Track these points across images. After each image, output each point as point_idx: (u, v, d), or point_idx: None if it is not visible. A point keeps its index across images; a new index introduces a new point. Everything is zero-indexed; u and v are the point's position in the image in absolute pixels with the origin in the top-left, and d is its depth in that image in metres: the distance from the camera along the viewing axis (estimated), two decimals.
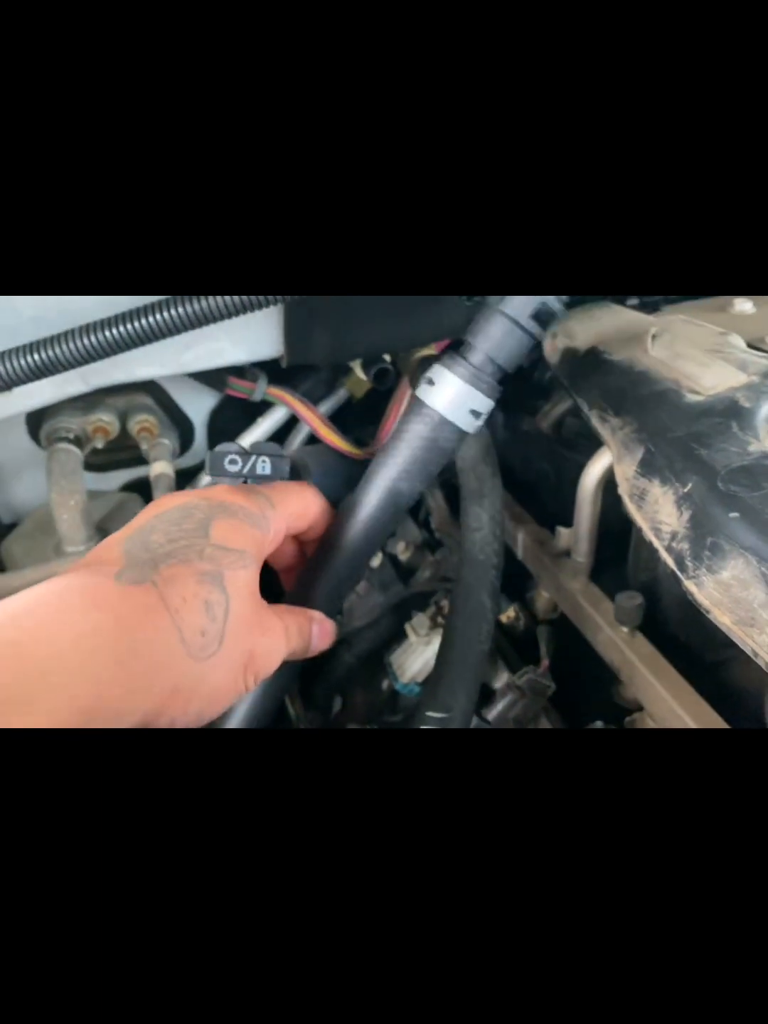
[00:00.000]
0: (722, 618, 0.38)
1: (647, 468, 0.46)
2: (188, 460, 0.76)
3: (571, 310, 0.65)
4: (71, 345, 0.45)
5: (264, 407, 0.71)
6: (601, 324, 0.62)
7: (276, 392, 0.68)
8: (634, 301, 0.74)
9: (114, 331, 0.45)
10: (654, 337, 0.54)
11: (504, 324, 0.43)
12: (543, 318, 0.44)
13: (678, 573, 0.41)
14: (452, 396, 0.43)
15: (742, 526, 0.38)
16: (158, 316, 0.45)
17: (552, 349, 0.63)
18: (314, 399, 0.71)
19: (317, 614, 0.43)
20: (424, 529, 0.78)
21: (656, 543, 0.44)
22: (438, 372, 0.44)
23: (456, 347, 0.45)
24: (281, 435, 0.74)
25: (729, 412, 0.45)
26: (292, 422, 0.73)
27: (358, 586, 0.69)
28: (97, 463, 0.72)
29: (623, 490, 0.48)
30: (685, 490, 0.42)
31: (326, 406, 0.75)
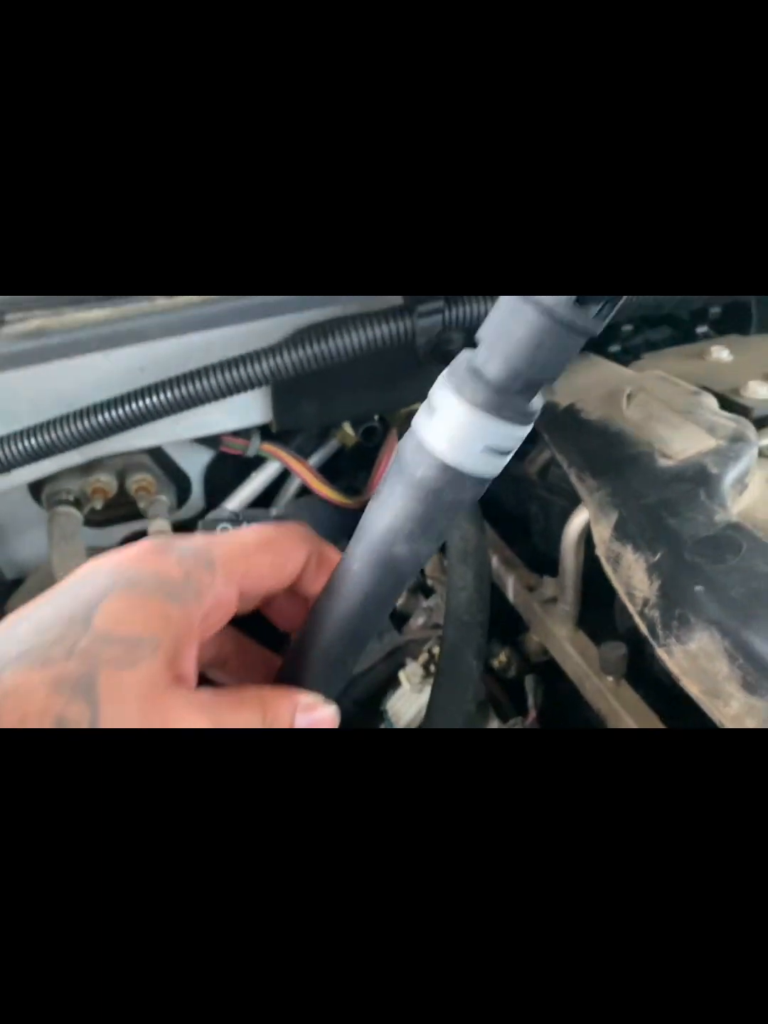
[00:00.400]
0: (691, 687, 0.40)
1: (621, 533, 0.47)
2: (186, 512, 0.78)
3: None
4: (67, 429, 0.47)
5: (258, 461, 0.73)
6: (579, 378, 0.63)
7: (269, 448, 0.70)
8: (615, 347, 0.76)
9: (108, 415, 0.47)
10: (629, 397, 0.56)
11: (534, 318, 0.27)
12: (597, 304, 0.27)
13: (651, 640, 0.43)
14: (457, 430, 0.29)
15: (707, 599, 0.39)
16: (150, 400, 0.47)
17: None
18: (306, 452, 0.74)
19: (304, 698, 0.33)
20: None
21: (630, 608, 0.45)
22: (439, 393, 0.30)
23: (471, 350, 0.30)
24: (275, 487, 0.76)
25: (698, 479, 0.46)
26: (285, 474, 0.75)
27: None
28: (97, 519, 0.75)
29: (600, 552, 0.50)
30: (655, 559, 0.44)
31: (318, 456, 0.77)
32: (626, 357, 0.73)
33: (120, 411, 0.47)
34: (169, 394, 0.47)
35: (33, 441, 0.47)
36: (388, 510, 0.31)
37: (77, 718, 0.26)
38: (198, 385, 0.47)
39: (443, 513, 0.32)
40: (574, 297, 0.26)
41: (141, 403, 0.47)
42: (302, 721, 0.33)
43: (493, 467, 0.30)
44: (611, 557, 0.48)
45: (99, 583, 0.29)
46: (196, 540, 0.32)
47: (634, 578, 0.45)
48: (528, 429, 0.30)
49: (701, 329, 0.78)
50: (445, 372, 0.30)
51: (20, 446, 0.47)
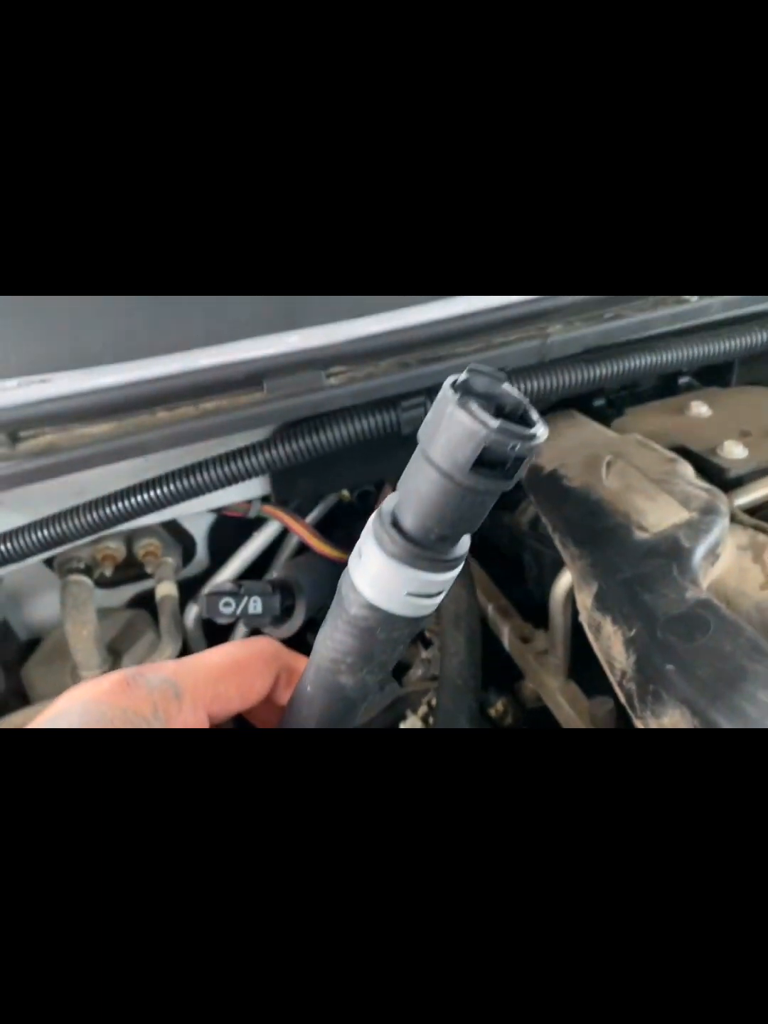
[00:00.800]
0: None
1: (601, 604, 0.50)
2: (192, 570, 0.81)
3: None
4: (77, 521, 0.51)
5: (259, 521, 0.76)
6: (563, 440, 0.66)
7: (270, 510, 0.73)
8: (600, 402, 0.79)
9: (116, 507, 0.50)
10: (608, 465, 0.59)
11: (436, 478, 0.26)
12: (501, 460, 0.26)
13: (629, 710, 0.46)
14: (379, 578, 0.29)
15: (678, 678, 0.42)
16: (155, 492, 0.50)
17: None
18: (305, 511, 0.77)
19: None
20: None
21: (610, 677, 0.48)
22: (364, 539, 0.30)
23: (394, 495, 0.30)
24: (276, 544, 0.79)
25: (671, 553, 0.49)
26: (285, 532, 0.78)
27: None
28: (107, 582, 0.78)
29: (583, 618, 0.53)
30: (631, 634, 0.46)
31: (317, 512, 0.80)
32: (610, 412, 0.76)
33: (127, 503, 0.50)
34: (173, 486, 0.50)
35: (45, 533, 0.51)
36: (331, 641, 0.32)
37: None
38: (202, 476, 0.50)
39: (381, 648, 0.32)
40: (472, 462, 0.25)
41: (146, 495, 0.50)
42: None
43: (424, 608, 0.30)
44: (593, 625, 0.51)
45: (71, 721, 0.31)
46: (165, 670, 0.34)
47: (613, 648, 0.48)
48: (455, 572, 0.30)
49: (684, 380, 0.80)
50: (373, 515, 0.30)
51: (33, 537, 0.51)
